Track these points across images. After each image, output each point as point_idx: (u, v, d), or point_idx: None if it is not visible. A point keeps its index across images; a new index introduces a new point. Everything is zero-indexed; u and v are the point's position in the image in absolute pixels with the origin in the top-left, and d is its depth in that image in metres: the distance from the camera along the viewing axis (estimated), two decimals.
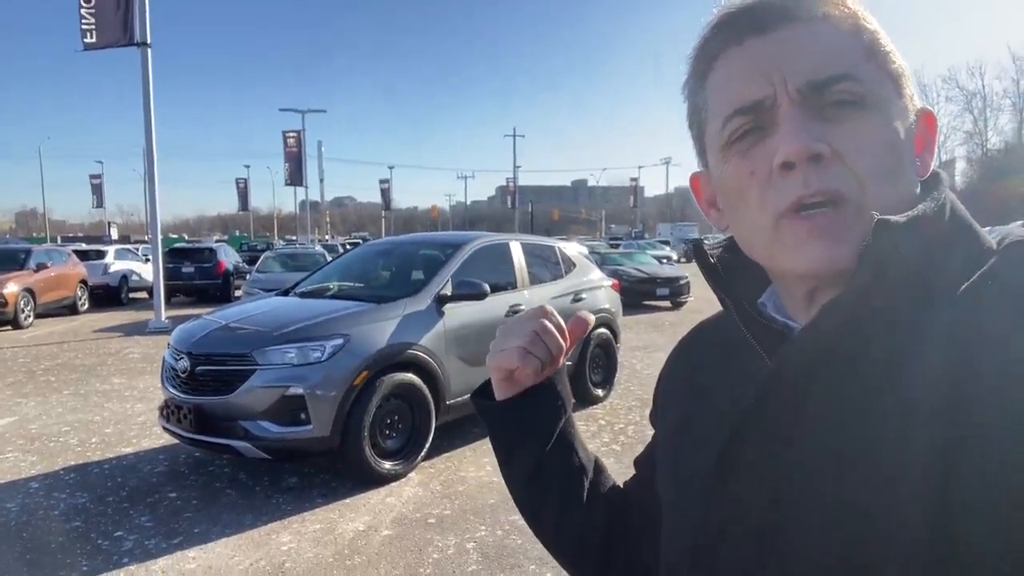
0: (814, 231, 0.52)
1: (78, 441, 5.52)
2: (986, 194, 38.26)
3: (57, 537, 3.80)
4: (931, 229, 0.52)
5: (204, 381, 4.45)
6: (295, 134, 36.31)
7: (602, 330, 6.70)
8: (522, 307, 5.54)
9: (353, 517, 4.03)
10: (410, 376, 4.71)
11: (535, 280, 6.15)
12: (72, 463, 5.00)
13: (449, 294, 5.12)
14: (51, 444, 5.45)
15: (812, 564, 0.49)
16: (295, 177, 36.81)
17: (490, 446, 0.80)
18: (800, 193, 0.52)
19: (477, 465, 4.91)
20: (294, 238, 46.75)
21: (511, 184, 59.37)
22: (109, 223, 57.31)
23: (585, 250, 8.06)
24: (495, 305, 5.41)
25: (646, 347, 9.85)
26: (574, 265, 6.78)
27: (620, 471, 0.80)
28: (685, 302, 15.28)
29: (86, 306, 15.32)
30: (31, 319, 12.83)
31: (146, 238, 24.29)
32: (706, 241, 0.67)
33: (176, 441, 4.80)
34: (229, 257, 18.62)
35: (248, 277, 14.70)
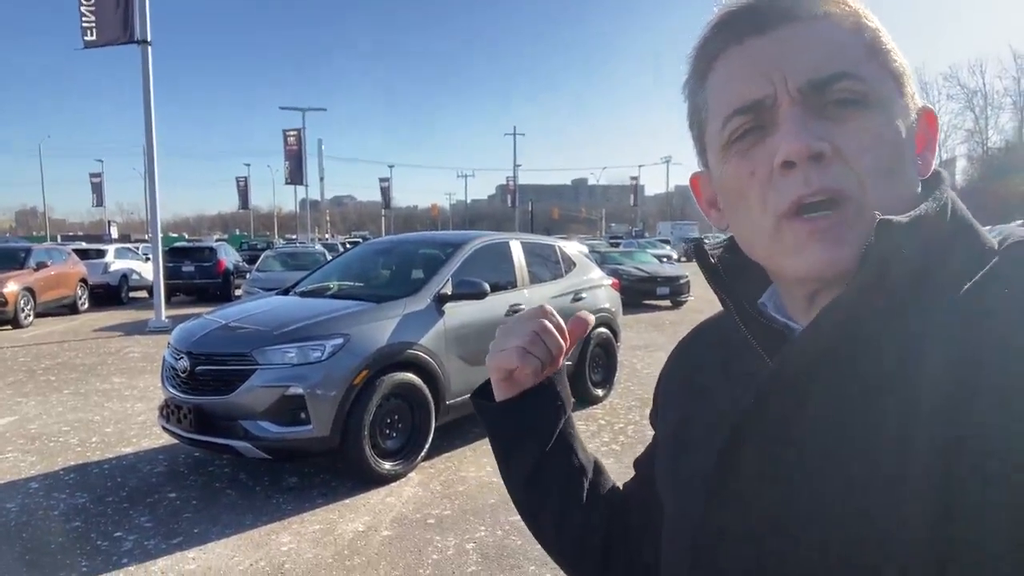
0: (815, 233, 0.52)
1: (78, 441, 5.52)
2: (987, 192, 38.30)
3: (57, 537, 3.80)
4: (933, 229, 0.52)
5: (204, 381, 4.45)
6: (295, 133, 36.36)
7: (602, 329, 6.70)
8: (522, 306, 5.54)
9: (353, 517, 4.03)
10: (410, 376, 4.71)
11: (535, 279, 6.14)
12: (72, 463, 5.00)
13: (449, 293, 5.12)
14: (51, 444, 5.45)
15: (812, 564, 0.49)
16: (295, 176, 36.86)
17: (490, 446, 0.80)
18: (801, 192, 0.52)
19: (477, 465, 4.91)
20: (294, 237, 46.80)
21: (511, 183, 59.36)
22: (109, 222, 57.25)
23: (585, 249, 8.08)
24: (495, 304, 5.41)
25: (646, 346, 9.85)
26: (574, 264, 6.77)
27: (620, 471, 0.80)
28: (685, 301, 15.28)
29: (86, 305, 15.32)
30: (31, 318, 12.83)
31: (146, 237, 24.32)
32: (707, 241, 0.67)
33: (176, 441, 4.80)
34: (229, 256, 18.62)
35: (248, 276, 14.72)
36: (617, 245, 27.31)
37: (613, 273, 9.96)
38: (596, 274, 7.06)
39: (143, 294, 18.04)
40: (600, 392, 6.68)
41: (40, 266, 13.48)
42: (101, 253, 17.70)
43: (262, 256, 16.23)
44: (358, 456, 4.38)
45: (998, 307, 0.48)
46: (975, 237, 0.55)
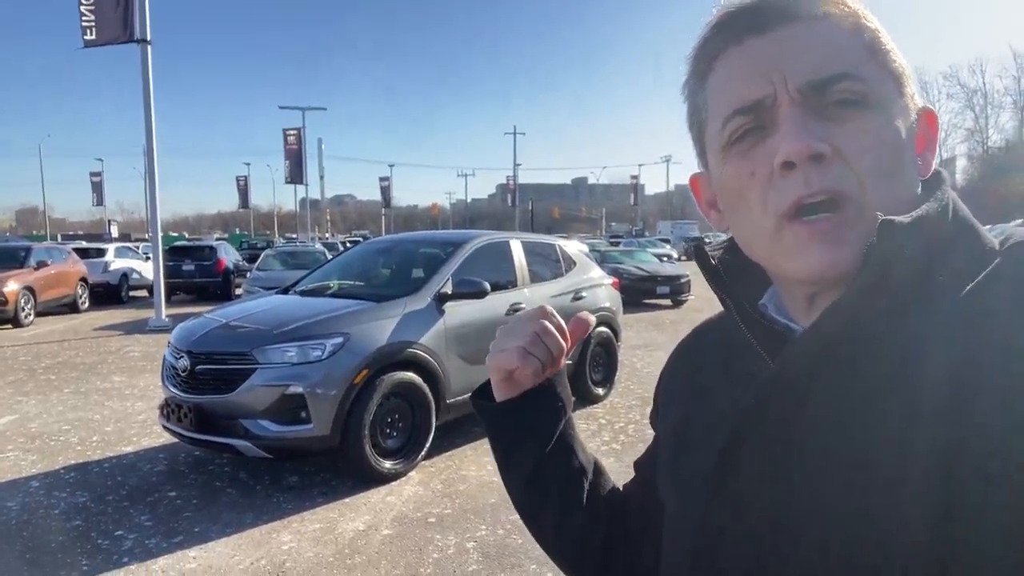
0: (815, 235, 0.52)
1: (78, 440, 5.53)
2: (987, 192, 38.29)
3: (57, 536, 3.80)
4: (934, 229, 0.52)
5: (204, 380, 4.45)
6: (295, 132, 36.37)
7: (602, 329, 6.69)
8: (523, 305, 5.54)
9: (353, 516, 4.03)
10: (410, 375, 4.71)
11: (535, 278, 6.14)
12: (72, 462, 5.01)
13: (449, 292, 5.12)
14: (51, 443, 5.45)
15: (812, 565, 0.49)
16: (295, 175, 36.88)
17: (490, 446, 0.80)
18: (801, 193, 0.52)
19: (478, 464, 4.92)
20: (294, 236, 46.76)
21: (511, 182, 59.38)
22: (109, 221, 57.29)
23: (585, 248, 8.06)
24: (495, 304, 5.41)
25: (646, 345, 9.84)
26: (574, 263, 6.77)
27: (621, 470, 0.80)
28: (686, 300, 15.28)
29: (86, 304, 15.32)
30: (31, 317, 12.83)
31: (146, 236, 24.32)
32: (707, 241, 0.67)
33: (176, 440, 4.80)
34: (229, 255, 18.63)
35: (248, 275, 14.73)
36: (617, 244, 27.30)
37: (613, 272, 9.95)
38: (596, 273, 7.06)
39: (143, 293, 18.04)
40: (601, 391, 6.68)
41: (40, 265, 13.48)
42: (101, 252, 17.69)
43: (262, 255, 16.25)
44: (358, 455, 4.38)
45: (1000, 308, 0.48)
46: (976, 237, 0.55)
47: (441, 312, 5.04)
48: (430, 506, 4.18)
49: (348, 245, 18.94)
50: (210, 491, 4.44)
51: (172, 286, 15.93)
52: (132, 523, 3.95)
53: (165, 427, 4.69)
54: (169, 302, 13.95)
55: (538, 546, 0.82)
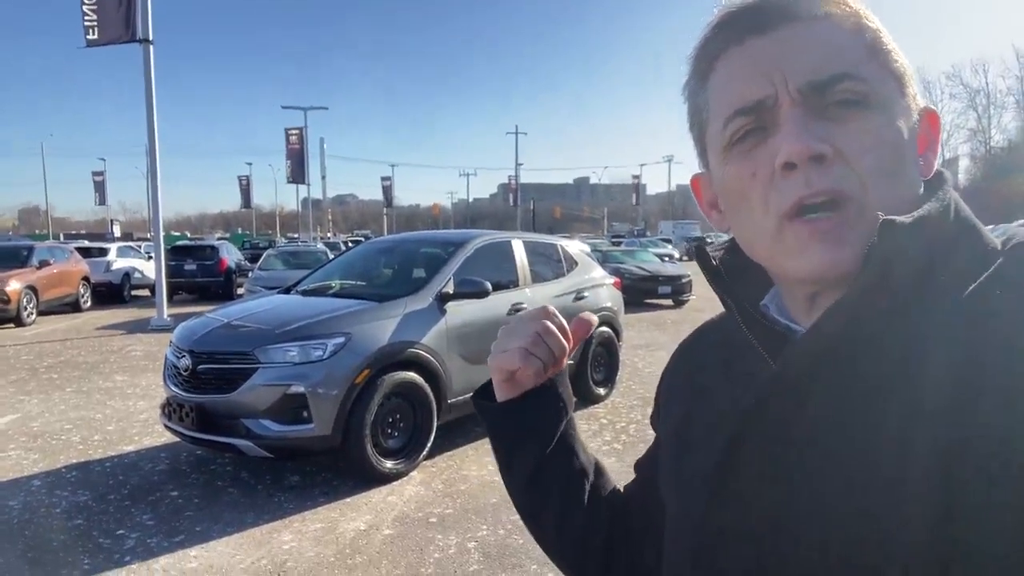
0: (816, 234, 0.52)
1: (80, 439, 5.53)
2: (989, 192, 38.25)
3: (59, 535, 3.81)
4: (936, 229, 0.52)
5: (206, 379, 4.46)
6: (297, 131, 36.40)
7: (604, 328, 6.69)
8: (524, 305, 5.54)
9: (355, 516, 4.04)
10: (412, 375, 4.71)
11: (537, 278, 6.14)
12: (74, 461, 5.01)
13: (451, 292, 5.12)
14: (53, 442, 5.46)
15: (813, 565, 0.49)
16: (297, 174, 36.91)
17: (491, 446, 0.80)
18: (802, 193, 0.52)
19: (479, 464, 4.92)
20: (296, 236, 46.80)
21: (513, 182, 59.39)
22: (112, 220, 57.44)
23: (587, 248, 8.05)
24: (497, 303, 5.41)
25: (648, 345, 9.84)
26: (576, 263, 6.77)
27: (622, 470, 0.80)
28: (687, 300, 15.27)
29: (88, 303, 15.34)
30: (34, 316, 12.85)
31: (148, 235, 24.35)
32: (708, 242, 0.67)
33: (178, 439, 4.81)
34: (231, 255, 18.64)
35: (250, 275, 14.74)
36: (619, 244, 27.30)
37: (615, 272, 9.94)
38: (598, 273, 7.06)
39: (145, 292, 18.06)
40: (602, 391, 6.68)
41: (43, 264, 13.50)
42: (103, 251, 17.72)
43: (264, 255, 16.27)
44: (360, 455, 4.39)
45: (1002, 308, 0.48)
46: (979, 238, 0.55)
47: (443, 312, 5.04)
48: (431, 506, 4.18)
49: (350, 245, 18.97)
50: (212, 490, 4.44)
51: (174, 285, 15.95)
52: (134, 522, 3.96)
53: (167, 426, 4.70)
54: (171, 301, 13.97)
55: (539, 546, 0.82)
